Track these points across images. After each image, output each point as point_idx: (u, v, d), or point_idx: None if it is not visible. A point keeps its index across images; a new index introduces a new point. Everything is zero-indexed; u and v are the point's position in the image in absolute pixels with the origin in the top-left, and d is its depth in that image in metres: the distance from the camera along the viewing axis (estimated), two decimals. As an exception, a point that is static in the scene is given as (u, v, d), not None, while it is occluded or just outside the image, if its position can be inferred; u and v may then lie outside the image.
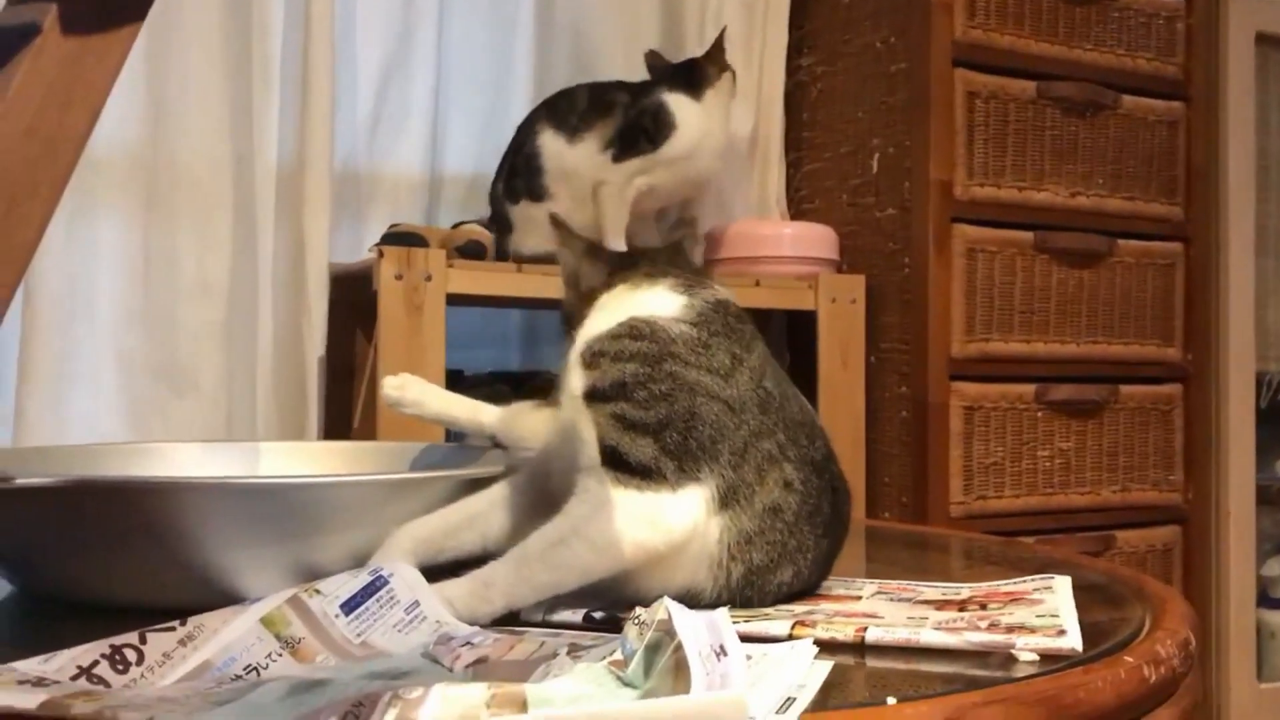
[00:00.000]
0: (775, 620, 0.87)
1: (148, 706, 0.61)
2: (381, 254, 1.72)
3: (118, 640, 0.70)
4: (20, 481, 0.79)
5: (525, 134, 1.99)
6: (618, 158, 1.93)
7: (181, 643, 0.71)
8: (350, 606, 0.73)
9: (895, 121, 2.07)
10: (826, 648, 0.82)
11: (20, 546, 0.92)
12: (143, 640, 0.70)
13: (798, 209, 2.30)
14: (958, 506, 1.99)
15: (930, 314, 1.99)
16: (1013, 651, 0.79)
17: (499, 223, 1.99)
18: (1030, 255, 2.08)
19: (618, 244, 1.93)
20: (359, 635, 0.72)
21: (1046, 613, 0.88)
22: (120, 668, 0.68)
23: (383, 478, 0.93)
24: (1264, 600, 2.47)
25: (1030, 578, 1.02)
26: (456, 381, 1.87)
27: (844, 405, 2.05)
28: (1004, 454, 2.05)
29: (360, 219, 2.03)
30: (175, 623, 0.72)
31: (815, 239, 2.11)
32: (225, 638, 0.72)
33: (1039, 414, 2.08)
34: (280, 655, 0.72)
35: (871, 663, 0.81)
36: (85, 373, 1.74)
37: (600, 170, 1.94)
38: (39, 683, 0.63)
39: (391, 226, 1.92)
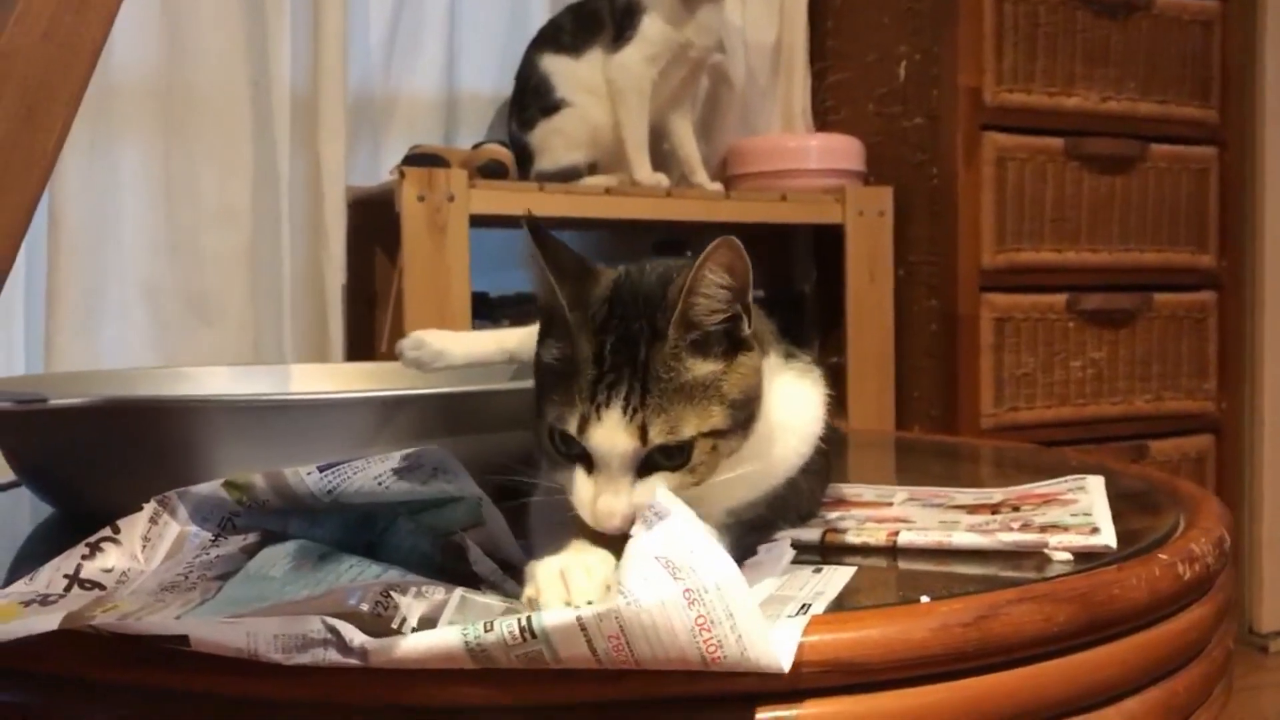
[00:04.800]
0: (806, 528, 0.87)
1: (160, 601, 0.62)
2: (403, 176, 1.71)
3: (92, 538, 0.71)
4: (54, 402, 0.80)
5: (528, 68, 1.99)
6: (613, 48, 1.92)
7: (152, 520, 0.71)
8: (327, 466, 0.70)
9: (923, 27, 2.02)
10: (858, 552, 0.82)
11: (57, 468, 0.93)
12: (116, 530, 0.71)
13: (823, 120, 2.26)
14: (988, 419, 1.98)
15: (960, 225, 1.97)
16: (1046, 551, 0.78)
17: (519, 155, 1.97)
18: (1061, 162, 2.04)
19: (640, 141, 1.92)
20: (330, 490, 0.70)
21: (1080, 512, 0.87)
22: (106, 568, 0.68)
23: (428, 392, 0.92)
24: (1298, 507, 2.45)
25: (1064, 479, 1.01)
26: (482, 303, 1.87)
27: (872, 319, 2.04)
28: (1035, 365, 2.03)
29: (378, 142, 2.01)
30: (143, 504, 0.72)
31: (841, 151, 2.08)
32: (189, 504, 0.72)
33: (1070, 324, 2.06)
34: (246, 511, 0.71)
35: (904, 565, 0.80)
36: (112, 301, 1.74)
37: (609, 69, 1.92)
38: (45, 601, 0.64)
39: (412, 148, 1.90)
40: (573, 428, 0.69)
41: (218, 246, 1.79)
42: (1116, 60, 2.09)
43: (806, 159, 2.07)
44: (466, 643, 0.56)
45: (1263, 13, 2.26)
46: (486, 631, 0.56)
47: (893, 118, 2.10)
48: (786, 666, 0.58)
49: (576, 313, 0.71)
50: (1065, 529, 0.82)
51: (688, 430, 0.69)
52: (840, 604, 0.68)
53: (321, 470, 0.70)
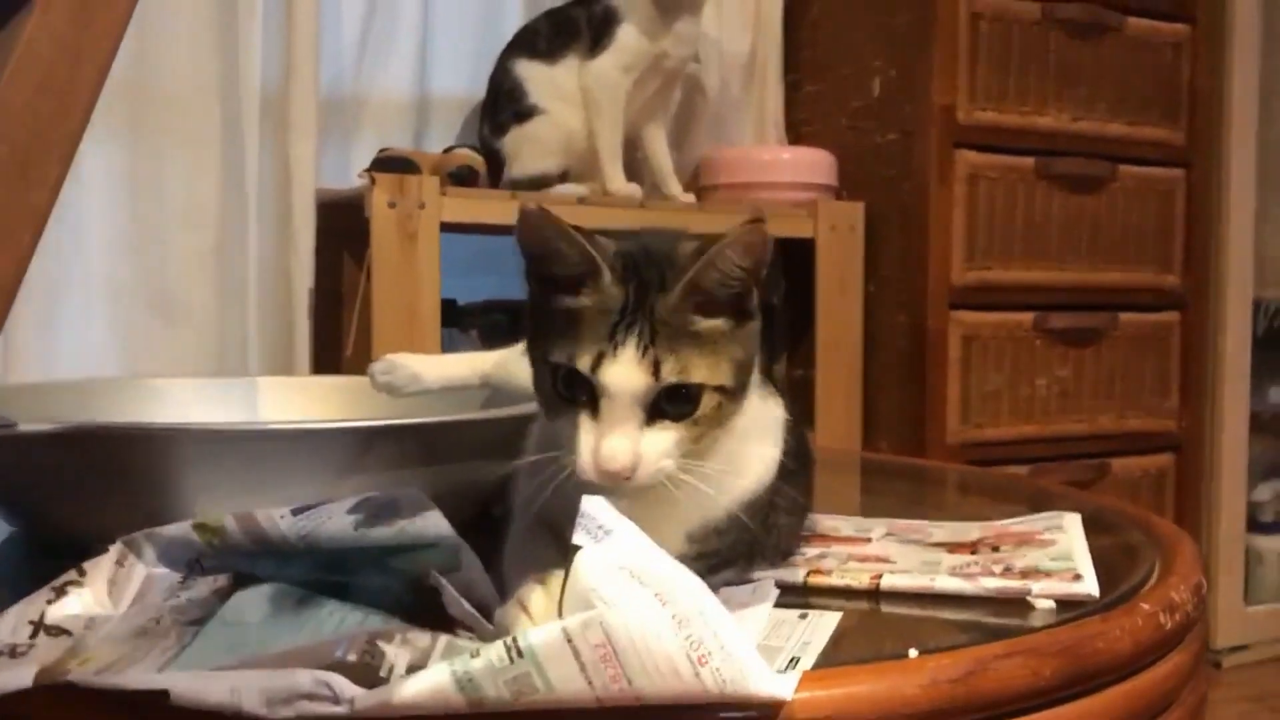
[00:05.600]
0: (789, 567, 0.86)
1: (135, 649, 0.60)
2: (374, 181, 1.69)
3: (57, 581, 0.69)
4: (23, 428, 0.77)
5: (501, 73, 1.97)
6: (589, 56, 1.90)
7: (118, 562, 0.70)
8: (301, 509, 0.69)
9: (898, 44, 2.03)
10: (842, 594, 0.82)
11: (20, 489, 0.90)
12: (81, 573, 0.69)
13: (796, 132, 2.26)
14: (955, 435, 1.99)
15: (931, 241, 1.97)
16: (1029, 599, 0.78)
17: (491, 163, 1.95)
18: (1031, 181, 2.06)
19: (614, 149, 1.91)
20: (303, 535, 0.68)
21: (1060, 555, 0.88)
22: (73, 614, 0.67)
23: (409, 422, 0.91)
24: (1253, 525, 2.49)
25: (1039, 516, 1.02)
26: (449, 310, 1.85)
27: (842, 334, 2.04)
28: (1002, 382, 2.04)
29: (347, 143, 1.98)
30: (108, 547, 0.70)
31: (814, 164, 2.08)
32: (157, 546, 0.70)
33: (1037, 342, 2.07)
34: (212, 556, 0.70)
35: (888, 609, 0.80)
36: (74, 300, 1.71)
37: (584, 76, 1.90)
38: (13, 653, 0.62)
39: (381, 151, 1.88)
40: (586, 365, 0.69)
41: (183, 246, 1.76)
42: (1088, 81, 2.10)
43: (779, 172, 2.07)
44: (455, 676, 0.55)
45: (1231, 36, 2.29)
46: (474, 659, 0.55)
47: (866, 133, 2.10)
48: (789, 692, 0.58)
49: (603, 263, 0.71)
50: (1047, 574, 0.82)
51: (697, 375, 0.70)
52: (827, 655, 0.67)
53: (295, 513, 0.69)
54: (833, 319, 2.03)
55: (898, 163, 2.03)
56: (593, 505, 0.65)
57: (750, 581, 0.82)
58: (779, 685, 0.59)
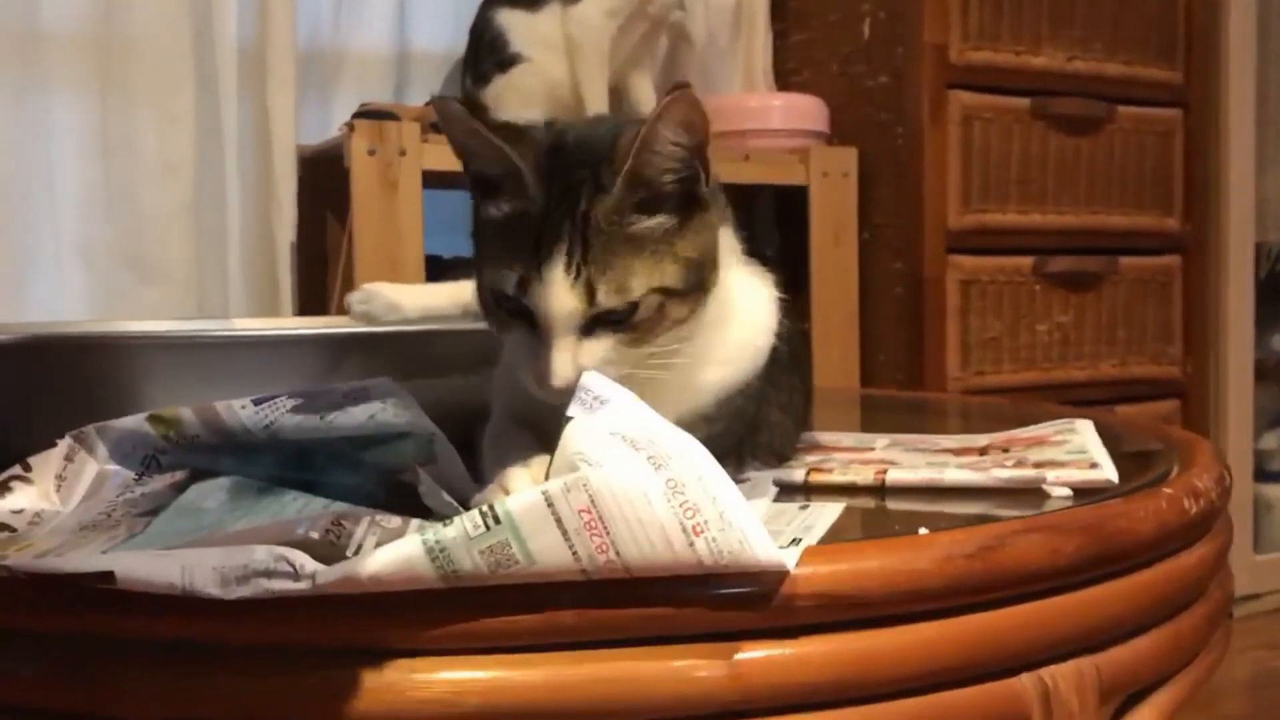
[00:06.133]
0: (787, 468, 0.82)
1: (82, 538, 0.55)
2: (353, 129, 1.64)
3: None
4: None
5: (482, 22, 1.92)
6: (572, 2, 1.85)
7: (67, 458, 0.65)
8: (263, 399, 0.64)
9: (887, -17, 1.98)
10: (844, 492, 0.77)
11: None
12: (26, 468, 0.65)
13: (785, 81, 2.21)
14: (955, 382, 1.95)
15: (925, 186, 1.93)
16: (1044, 487, 0.74)
17: (474, 113, 1.90)
18: (1027, 123, 2.01)
19: (599, 98, 1.85)
20: (266, 424, 0.64)
21: (1074, 450, 0.83)
22: (15, 509, 0.62)
23: (377, 331, 0.86)
24: (1260, 474, 2.45)
25: (1050, 423, 0.97)
26: (435, 266, 1.80)
27: (837, 283, 1.99)
28: (1001, 328, 2.00)
29: (327, 99, 1.94)
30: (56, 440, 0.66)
31: (805, 110, 2.03)
32: (109, 440, 0.66)
33: (1037, 287, 2.03)
34: (172, 448, 0.65)
35: (894, 505, 0.76)
36: (44, 258, 1.66)
37: (567, 23, 1.85)
38: None
39: (362, 105, 1.83)
40: (510, 288, 0.65)
41: (158, 202, 1.71)
42: (1083, 20, 2.06)
43: (769, 119, 2.02)
44: (426, 546, 0.50)
45: (1226, -29, 2.24)
46: (446, 527, 0.50)
47: (856, 77, 2.05)
48: (791, 565, 0.54)
49: (521, 164, 0.65)
50: (1062, 464, 0.77)
51: (637, 287, 0.65)
52: (832, 537, 0.63)
53: (256, 404, 0.64)
54: (827, 268, 1.98)
55: (890, 106, 1.98)
56: (591, 378, 0.60)
57: (744, 481, 0.77)
58: (781, 556, 0.54)
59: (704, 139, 0.66)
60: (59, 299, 1.67)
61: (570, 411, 0.58)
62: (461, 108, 0.67)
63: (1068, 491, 0.73)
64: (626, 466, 0.52)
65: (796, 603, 0.55)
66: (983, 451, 0.88)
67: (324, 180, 1.78)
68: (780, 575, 0.55)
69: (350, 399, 0.65)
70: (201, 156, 1.74)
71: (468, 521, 0.51)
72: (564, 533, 0.51)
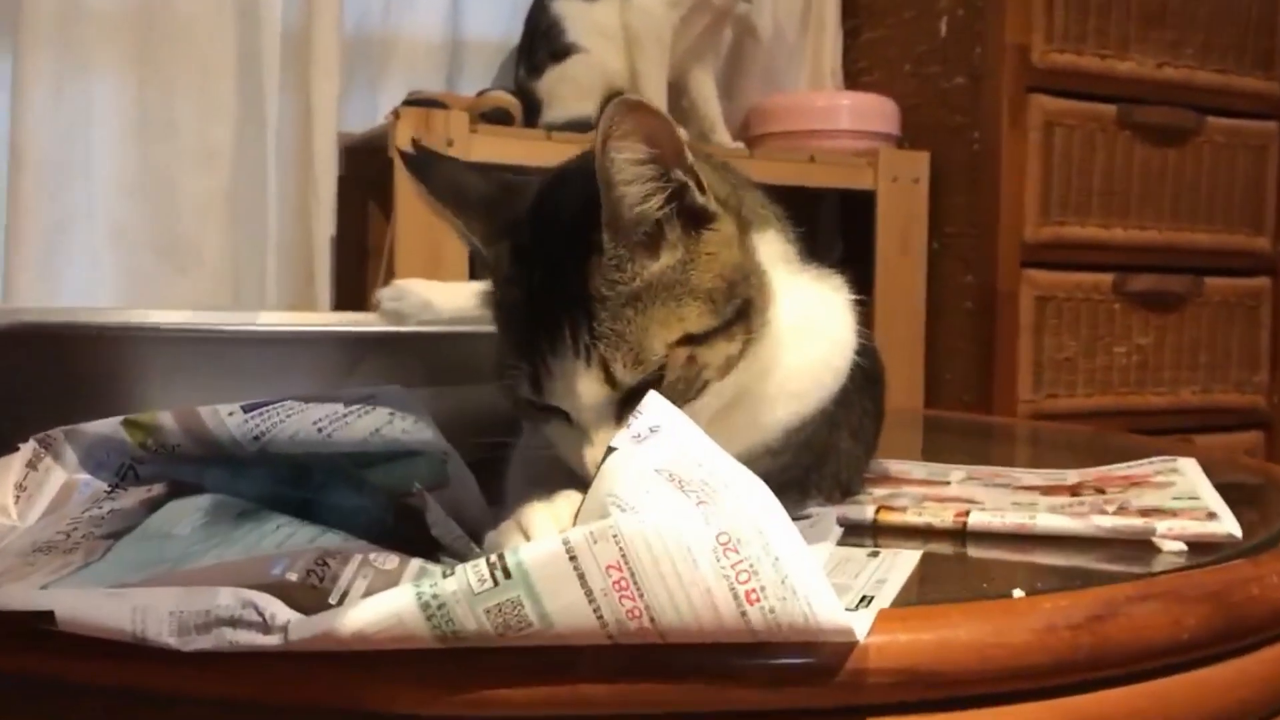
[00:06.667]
0: (852, 504, 0.72)
1: (29, 564, 0.47)
2: (397, 117, 1.56)
3: None
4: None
5: (538, 11, 1.84)
6: None
7: (30, 464, 0.57)
8: (255, 406, 0.57)
9: (967, -20, 1.88)
10: (918, 535, 0.68)
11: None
12: None
13: (855, 81, 2.11)
14: (1025, 405, 1.83)
15: (1002, 194, 1.81)
16: (1155, 540, 0.64)
17: (527, 106, 1.82)
18: (1112, 131, 1.89)
19: (657, 92, 1.77)
20: (257, 435, 0.56)
21: (1183, 494, 0.73)
22: None
23: (396, 331, 0.78)
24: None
25: (1148, 460, 0.87)
26: (481, 262, 1.72)
27: (903, 295, 1.89)
28: (1077, 349, 1.88)
29: (375, 87, 1.87)
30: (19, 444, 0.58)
31: (875, 111, 1.93)
32: (80, 446, 0.58)
33: (1116, 306, 1.91)
34: (150, 457, 0.57)
35: (975, 552, 0.66)
36: (78, 243, 1.60)
37: (627, 12, 1.77)
38: None
39: (411, 94, 1.75)
40: (525, 390, 0.56)
41: (195, 190, 1.64)
42: (1174, 24, 1.94)
43: (836, 119, 1.92)
44: (421, 600, 0.42)
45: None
46: (446, 578, 0.42)
47: (931, 78, 1.95)
48: (862, 632, 0.45)
49: (493, 248, 0.58)
50: (1172, 514, 0.67)
51: (657, 349, 0.55)
52: (909, 596, 0.53)
53: (247, 411, 0.56)
54: (893, 279, 1.88)
55: (966, 109, 1.88)
56: (651, 400, 0.51)
57: (805, 517, 0.68)
58: (849, 621, 0.45)
59: (671, 144, 0.55)
60: (92, 286, 1.60)
61: (615, 442, 0.50)
62: (415, 166, 0.58)
63: (1182, 546, 0.63)
64: (668, 514, 0.43)
65: (867, 679, 0.46)
66: (1074, 491, 0.78)
67: (369, 171, 1.71)
68: (848, 644, 0.46)
69: (354, 410, 0.56)
70: (242, 143, 1.67)
71: (472, 574, 0.42)
72: (588, 592, 0.42)
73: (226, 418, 0.56)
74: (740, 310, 0.58)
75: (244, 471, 0.57)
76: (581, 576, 0.42)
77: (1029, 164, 1.82)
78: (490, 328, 0.89)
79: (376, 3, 1.86)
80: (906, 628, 0.47)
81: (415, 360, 0.79)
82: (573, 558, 0.42)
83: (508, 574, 0.42)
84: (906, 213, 1.89)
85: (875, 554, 0.61)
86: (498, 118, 1.71)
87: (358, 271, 1.79)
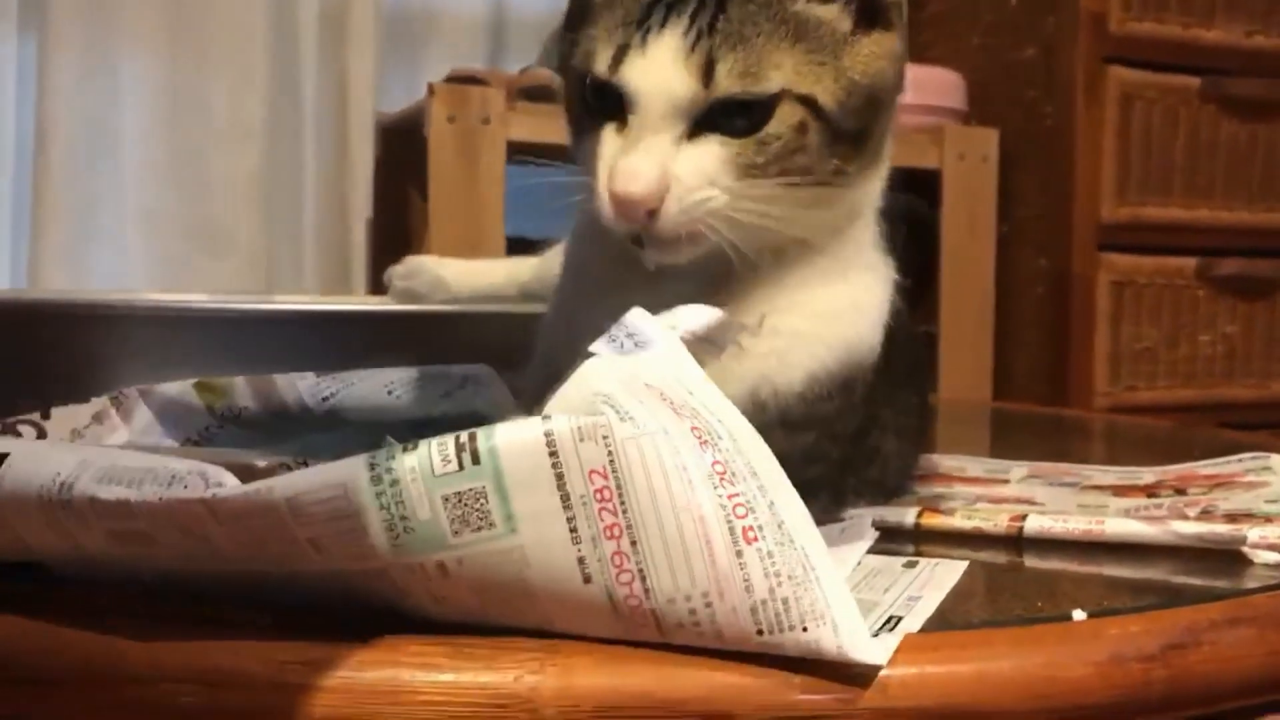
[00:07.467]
0: (893, 505, 0.63)
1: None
2: (432, 93, 1.50)
3: (10, 419, 0.53)
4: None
5: None
6: None
7: (96, 418, 0.54)
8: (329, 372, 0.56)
9: (1039, -55, 1.77)
10: (967, 541, 0.59)
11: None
12: (45, 416, 0.54)
13: (919, 54, 2.00)
14: (1103, 398, 1.73)
15: (1076, 173, 1.71)
16: (1244, 550, 0.54)
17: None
18: (1195, 105, 1.78)
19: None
20: (326, 396, 0.54)
21: (1278, 497, 0.63)
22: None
23: (397, 309, 0.72)
24: None
25: (1236, 457, 0.77)
26: (522, 247, 1.65)
27: (971, 280, 1.79)
28: (1158, 338, 1.77)
29: (415, 65, 1.81)
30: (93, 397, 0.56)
31: (940, 85, 1.83)
32: (154, 405, 0.55)
33: (1200, 292, 1.80)
34: (219, 429, 0.55)
35: (1032, 562, 0.57)
36: (105, 226, 1.56)
37: None
38: None
39: (452, 71, 1.69)
40: (603, 63, 0.50)
41: (227, 171, 1.59)
42: (1265, -13, 1.82)
43: (899, 95, 1.82)
44: (374, 473, 0.35)
45: None
46: (406, 452, 0.36)
47: (1000, 50, 1.84)
48: (883, 659, 0.38)
49: None
50: (1266, 519, 0.57)
51: (774, 77, 0.49)
52: (945, 617, 0.44)
53: (319, 376, 0.56)
54: (960, 262, 1.78)
55: (1038, 82, 1.77)
56: (635, 316, 0.44)
57: (838, 520, 0.60)
58: (865, 648, 0.37)
59: None
60: (121, 270, 1.56)
61: (594, 347, 0.42)
62: None
63: (1278, 558, 0.53)
64: (668, 430, 0.37)
65: (893, 717, 0.38)
66: (1150, 492, 0.68)
67: (406, 151, 1.65)
68: (867, 673, 0.38)
69: (428, 375, 0.56)
70: (275, 122, 1.62)
71: (436, 452, 0.36)
72: (564, 497, 0.36)
73: (299, 381, 0.54)
74: (857, 134, 0.52)
75: (311, 450, 0.52)
76: (560, 477, 0.36)
77: (1106, 140, 1.72)
78: (495, 307, 0.82)
79: (416, -23, 1.81)
80: (938, 657, 0.39)
81: (421, 343, 0.73)
82: (553, 453, 0.36)
83: (476, 459, 0.35)
84: (974, 193, 1.79)
85: (913, 564, 0.52)
86: (539, 95, 1.63)
87: (397, 257, 1.74)
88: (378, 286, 1.68)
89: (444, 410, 0.56)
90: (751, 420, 0.40)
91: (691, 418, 0.38)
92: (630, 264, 0.54)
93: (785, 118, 0.50)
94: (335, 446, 0.53)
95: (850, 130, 0.52)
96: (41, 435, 0.52)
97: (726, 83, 0.49)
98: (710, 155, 0.50)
